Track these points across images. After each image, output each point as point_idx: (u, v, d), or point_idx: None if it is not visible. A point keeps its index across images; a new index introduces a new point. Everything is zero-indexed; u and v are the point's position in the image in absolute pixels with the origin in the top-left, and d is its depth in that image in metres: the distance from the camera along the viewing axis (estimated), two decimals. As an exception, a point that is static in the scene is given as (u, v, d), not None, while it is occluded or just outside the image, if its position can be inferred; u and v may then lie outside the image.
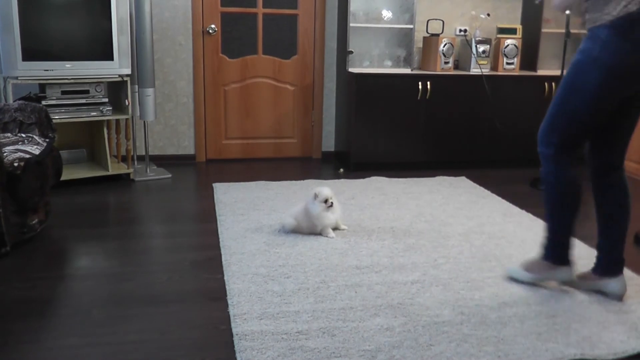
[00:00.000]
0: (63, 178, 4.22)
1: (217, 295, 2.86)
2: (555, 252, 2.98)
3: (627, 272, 3.25)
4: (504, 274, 3.16)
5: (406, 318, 2.66)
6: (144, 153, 5.23)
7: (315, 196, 3.61)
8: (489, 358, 2.37)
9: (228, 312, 2.67)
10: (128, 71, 4.68)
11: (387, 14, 5.51)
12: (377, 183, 4.95)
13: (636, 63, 2.58)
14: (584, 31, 2.73)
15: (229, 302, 2.76)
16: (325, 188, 3.65)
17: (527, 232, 3.87)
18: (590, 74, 2.64)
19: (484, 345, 2.46)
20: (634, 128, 2.89)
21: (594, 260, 3.01)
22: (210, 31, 5.42)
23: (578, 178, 2.86)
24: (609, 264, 2.96)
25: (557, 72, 5.62)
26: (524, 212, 4.30)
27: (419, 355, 2.37)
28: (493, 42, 5.69)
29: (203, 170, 5.33)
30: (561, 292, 3.00)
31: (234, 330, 2.50)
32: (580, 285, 3.04)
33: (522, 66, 5.89)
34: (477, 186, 4.97)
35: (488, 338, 2.52)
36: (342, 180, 5.02)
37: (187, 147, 5.59)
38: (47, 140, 3.70)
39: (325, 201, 3.59)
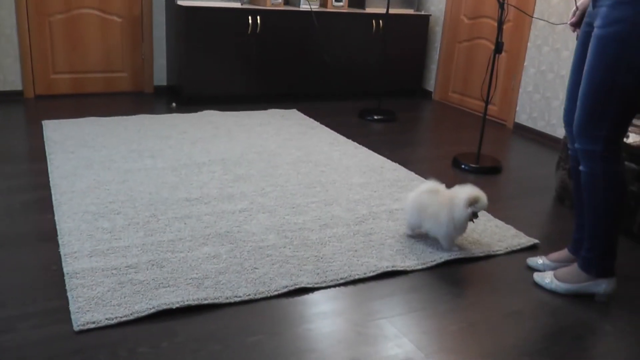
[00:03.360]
0: None
1: (48, 235, 2.83)
2: (600, 264, 2.56)
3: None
4: (533, 281, 2.76)
5: (233, 245, 2.80)
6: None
7: (472, 203, 2.81)
8: (308, 275, 2.58)
9: (59, 252, 2.67)
10: None
11: (215, -56, 5.44)
12: (210, 117, 4.99)
13: None
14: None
15: (60, 241, 2.75)
16: (485, 197, 2.86)
17: (352, 159, 4.12)
18: None
19: (304, 265, 2.67)
20: None
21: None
22: (27, -42, 5.09)
23: (625, 170, 2.49)
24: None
25: (383, 10, 5.86)
26: (350, 141, 4.55)
27: (244, 279, 2.53)
28: (322, -23, 5.82)
29: (32, 107, 5.08)
30: (379, 212, 3.27)
31: (65, 270, 2.51)
32: (555, 268, 2.82)
33: (351, 3, 6.09)
34: (308, 118, 5.16)
35: (308, 258, 2.73)
36: (175, 114, 5.01)
37: (14, 82, 5.28)
38: None
39: (475, 214, 2.85)
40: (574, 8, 2.66)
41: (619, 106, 2.35)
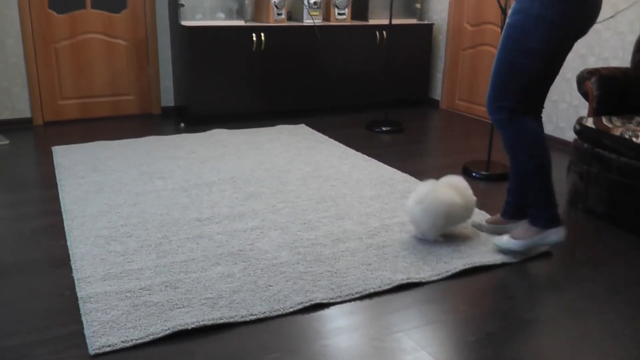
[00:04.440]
0: None
1: (61, 261, 2.83)
2: (544, 216, 2.88)
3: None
4: (494, 247, 3.01)
5: (246, 263, 2.79)
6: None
7: None
8: (323, 291, 2.57)
9: (72, 277, 2.67)
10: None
11: (217, -36, 5.47)
12: (218, 136, 5.00)
13: (578, 15, 2.62)
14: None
15: (73, 267, 2.75)
16: None
17: (362, 172, 4.12)
18: (535, 32, 2.61)
19: (318, 280, 2.65)
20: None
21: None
22: (32, -13, 5.13)
23: (539, 128, 2.86)
24: (519, 209, 3.09)
25: (386, 21, 5.87)
26: (359, 153, 4.55)
27: (258, 297, 2.51)
28: (324, -7, 5.84)
29: (41, 134, 5.12)
30: (392, 225, 3.25)
31: (79, 294, 2.51)
32: (489, 229, 3.19)
33: (354, 16, 6.10)
34: (316, 132, 5.16)
35: (322, 273, 2.72)
36: (183, 135, 5.03)
37: (22, 110, 5.32)
38: None
39: None
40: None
41: (518, 82, 2.72)
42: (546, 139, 2.87)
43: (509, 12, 2.75)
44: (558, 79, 4.89)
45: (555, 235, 2.88)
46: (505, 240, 2.96)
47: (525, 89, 2.75)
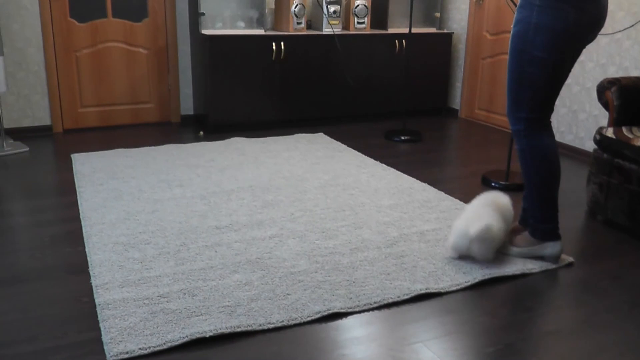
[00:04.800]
0: None
1: (79, 268, 2.85)
2: (543, 229, 2.95)
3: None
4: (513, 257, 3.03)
5: (264, 272, 2.79)
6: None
7: None
8: (341, 300, 2.56)
9: (90, 284, 2.68)
10: (-34, 42, 4.43)
11: (237, -26, 5.50)
12: (237, 144, 5.01)
13: (577, 21, 2.63)
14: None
15: (91, 273, 2.76)
16: None
17: (380, 180, 4.10)
18: (536, 41, 2.65)
19: (336, 289, 2.64)
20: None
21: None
22: (54, -4, 5.20)
23: (553, 145, 2.88)
24: None
25: (406, 30, 5.86)
26: (377, 162, 4.54)
27: (276, 305, 2.51)
28: (343, 3, 5.84)
29: (61, 141, 5.16)
30: (410, 234, 3.23)
31: (97, 301, 2.52)
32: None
33: (373, 25, 6.10)
34: (334, 141, 5.16)
35: (340, 282, 2.71)
36: (202, 143, 5.05)
37: (42, 117, 5.37)
38: None
39: None
40: None
41: (531, 92, 2.76)
42: (558, 155, 2.90)
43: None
44: (578, 88, 4.87)
45: (552, 248, 2.95)
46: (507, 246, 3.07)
47: (539, 97, 2.78)
